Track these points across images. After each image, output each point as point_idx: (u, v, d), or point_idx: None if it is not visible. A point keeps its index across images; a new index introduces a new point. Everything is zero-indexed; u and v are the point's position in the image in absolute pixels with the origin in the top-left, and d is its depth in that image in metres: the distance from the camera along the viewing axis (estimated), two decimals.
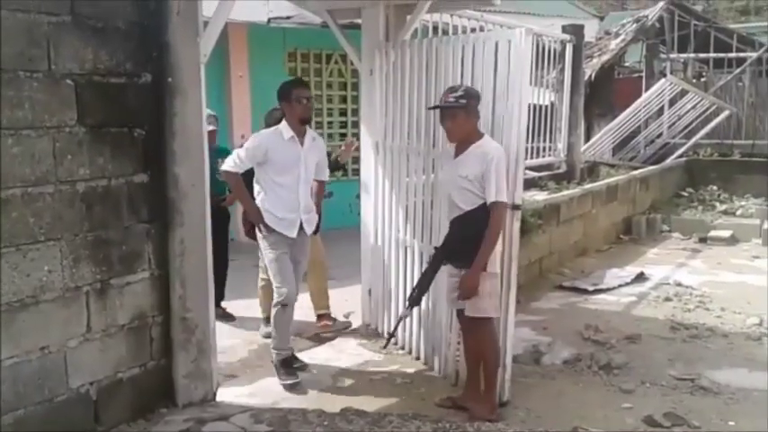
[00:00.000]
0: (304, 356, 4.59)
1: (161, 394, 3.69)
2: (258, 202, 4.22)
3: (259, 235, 4.27)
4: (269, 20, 7.36)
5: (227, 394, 3.95)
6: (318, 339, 4.99)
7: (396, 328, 4.09)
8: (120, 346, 3.46)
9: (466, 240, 3.57)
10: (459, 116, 3.58)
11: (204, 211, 3.70)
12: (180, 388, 3.72)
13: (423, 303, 4.04)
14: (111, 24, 3.31)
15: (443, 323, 4.21)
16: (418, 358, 4.53)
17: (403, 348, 4.71)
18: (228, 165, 4.17)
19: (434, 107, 3.86)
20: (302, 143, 4.21)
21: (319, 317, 5.18)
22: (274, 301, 4.20)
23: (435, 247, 3.86)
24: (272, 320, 4.27)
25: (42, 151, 3.06)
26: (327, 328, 5.11)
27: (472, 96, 3.61)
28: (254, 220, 4.24)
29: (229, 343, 4.78)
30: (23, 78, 2.97)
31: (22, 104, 2.96)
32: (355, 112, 8.95)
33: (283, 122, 4.20)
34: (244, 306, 5.51)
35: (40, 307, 3.09)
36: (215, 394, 3.86)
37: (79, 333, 3.26)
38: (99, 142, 3.29)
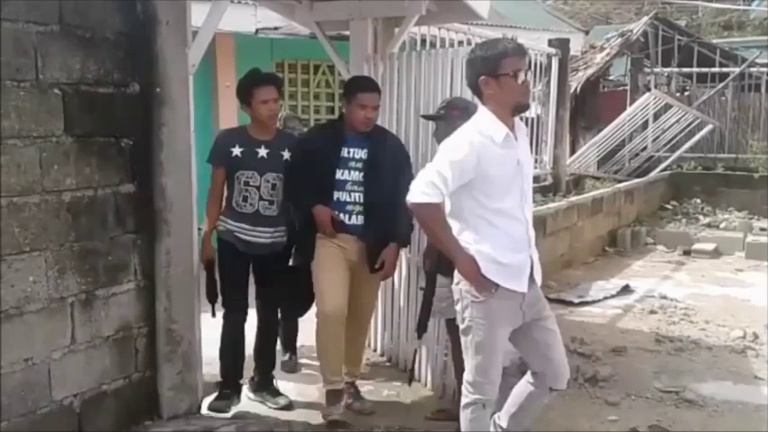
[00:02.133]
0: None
1: (146, 407, 3.65)
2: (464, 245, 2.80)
3: (465, 302, 2.83)
4: (257, 30, 7.36)
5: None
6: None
7: (413, 364, 3.93)
8: (105, 358, 3.42)
9: None
10: (439, 127, 3.60)
11: (191, 221, 3.68)
12: (165, 400, 3.69)
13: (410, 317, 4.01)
14: (99, 34, 3.29)
15: (430, 335, 4.20)
16: (405, 370, 4.52)
17: (390, 361, 4.70)
18: (424, 190, 2.72)
19: (426, 117, 3.92)
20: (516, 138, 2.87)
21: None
22: (465, 399, 2.96)
23: (426, 271, 3.61)
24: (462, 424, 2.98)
25: (29, 161, 3.03)
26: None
27: (453, 107, 3.60)
28: (468, 276, 2.77)
29: (215, 354, 4.74)
30: (10, 88, 2.94)
31: (8, 114, 2.94)
32: None
33: (487, 115, 2.82)
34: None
35: (24, 318, 3.05)
36: (200, 406, 3.83)
37: (63, 345, 3.22)
38: (86, 152, 3.27)
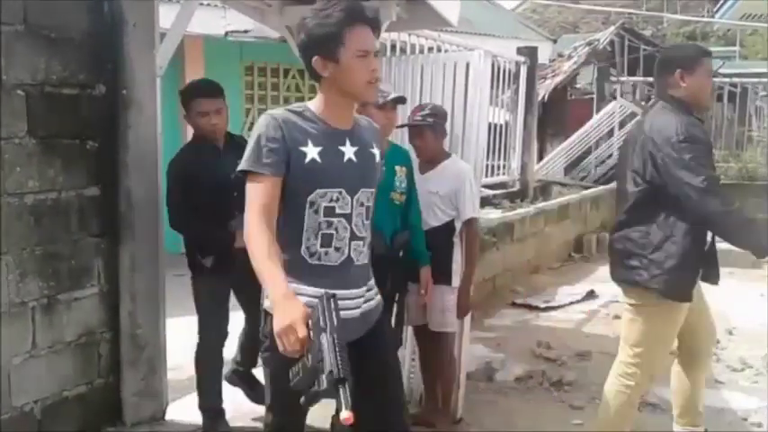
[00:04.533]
0: (258, 373, 4.51)
1: (109, 413, 3.60)
2: None
3: None
4: (226, 33, 7.32)
5: (177, 412, 3.87)
6: None
7: None
8: (67, 364, 3.37)
9: (432, 256, 3.55)
10: (427, 134, 3.60)
11: (156, 225, 3.64)
12: (128, 406, 3.64)
13: None
14: (64, 35, 3.25)
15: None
16: None
17: None
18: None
19: (402, 125, 3.83)
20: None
21: None
22: None
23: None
24: None
25: None
26: None
27: (439, 115, 3.64)
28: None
29: (181, 360, 4.68)
30: None
31: None
32: None
33: None
34: (192, 323, 5.41)
35: None
36: (165, 412, 3.78)
37: (24, 350, 3.16)
38: (50, 154, 3.22)
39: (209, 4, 7.05)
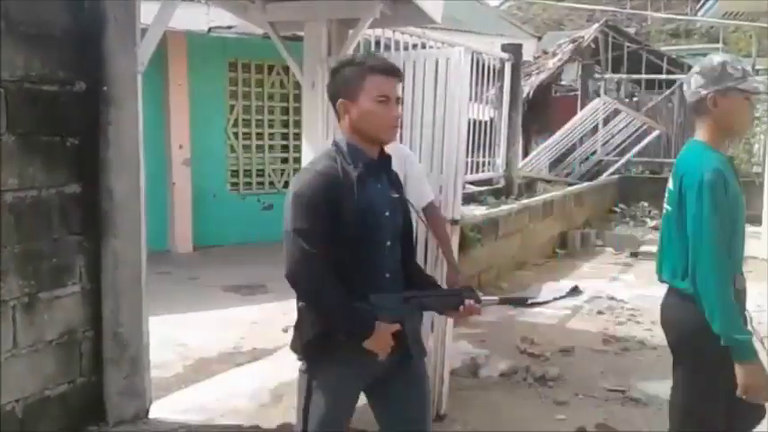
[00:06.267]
0: (242, 371, 4.52)
1: (91, 412, 3.56)
2: None
3: None
4: (209, 29, 7.27)
5: (160, 411, 3.84)
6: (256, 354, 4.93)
7: None
8: (49, 363, 3.34)
9: None
10: None
11: (139, 222, 3.61)
12: (111, 405, 3.61)
13: None
14: (44, 31, 3.21)
15: None
16: None
17: None
18: None
19: None
20: None
21: None
22: None
23: None
24: None
25: None
26: None
27: None
28: None
29: (164, 358, 4.66)
30: None
31: None
32: (297, 123, 8.92)
33: None
34: (175, 320, 5.41)
35: None
36: (148, 411, 3.76)
37: (5, 349, 3.12)
38: (29, 151, 3.18)
39: (191, 0, 7.01)
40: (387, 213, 2.24)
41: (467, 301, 2.27)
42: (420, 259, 3.51)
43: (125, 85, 3.49)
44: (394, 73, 2.24)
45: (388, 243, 2.25)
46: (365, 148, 2.23)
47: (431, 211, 3.55)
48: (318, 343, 2.17)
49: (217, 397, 4.16)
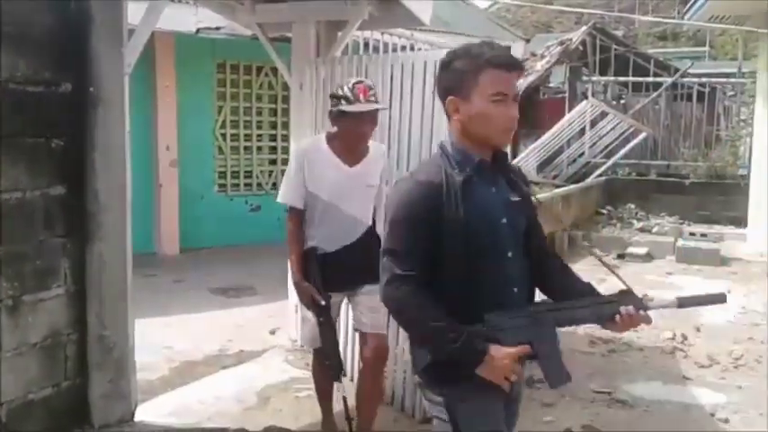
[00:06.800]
0: (229, 374, 4.50)
1: (76, 415, 3.54)
2: None
3: None
4: (197, 30, 7.24)
5: (146, 414, 3.82)
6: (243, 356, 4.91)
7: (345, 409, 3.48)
8: (33, 366, 3.31)
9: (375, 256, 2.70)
10: (375, 119, 3.26)
11: (125, 224, 3.59)
12: (96, 408, 3.58)
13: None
14: (30, 32, 3.19)
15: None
16: (345, 375, 4.50)
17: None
18: None
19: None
20: None
21: None
22: None
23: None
24: None
25: None
26: None
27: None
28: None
29: (149, 360, 4.64)
30: None
31: None
32: (285, 125, 8.88)
33: None
34: (161, 323, 5.38)
35: None
36: (133, 414, 3.74)
37: None
38: (13, 153, 3.15)
39: (179, 1, 6.98)
40: (504, 220, 1.96)
41: (623, 309, 1.98)
42: None
43: (112, 86, 3.48)
44: (515, 66, 1.95)
45: (510, 253, 1.97)
46: (475, 151, 1.97)
47: None
48: (439, 369, 1.92)
49: (203, 400, 4.14)
